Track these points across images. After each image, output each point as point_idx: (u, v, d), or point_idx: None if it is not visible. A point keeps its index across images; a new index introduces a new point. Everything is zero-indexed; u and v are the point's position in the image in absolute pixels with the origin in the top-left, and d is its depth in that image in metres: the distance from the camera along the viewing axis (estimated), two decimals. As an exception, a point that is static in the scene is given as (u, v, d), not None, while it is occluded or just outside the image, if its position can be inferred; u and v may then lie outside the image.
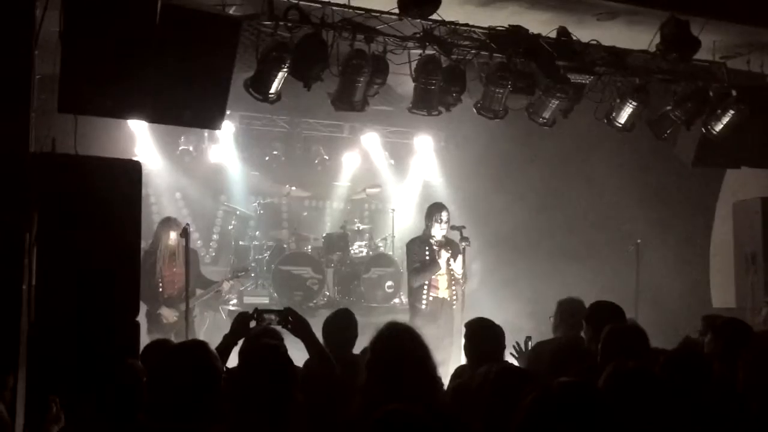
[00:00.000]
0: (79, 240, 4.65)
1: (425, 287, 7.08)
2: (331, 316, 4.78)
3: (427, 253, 7.12)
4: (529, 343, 4.84)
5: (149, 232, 7.03)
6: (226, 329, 8.39)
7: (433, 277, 7.08)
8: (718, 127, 7.16)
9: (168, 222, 7.15)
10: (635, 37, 6.54)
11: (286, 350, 3.05)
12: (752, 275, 7.88)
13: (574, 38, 6.41)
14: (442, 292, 7.12)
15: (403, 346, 3.00)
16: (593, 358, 3.74)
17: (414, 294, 7.15)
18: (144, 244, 6.30)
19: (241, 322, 3.70)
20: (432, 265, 7.03)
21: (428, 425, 2.25)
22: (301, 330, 3.66)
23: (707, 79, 7.10)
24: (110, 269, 4.71)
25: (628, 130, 7.11)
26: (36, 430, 3.78)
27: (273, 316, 3.65)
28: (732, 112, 7.05)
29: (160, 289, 6.96)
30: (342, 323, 4.66)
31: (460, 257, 7.04)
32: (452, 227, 7.17)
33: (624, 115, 7.02)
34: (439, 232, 7.10)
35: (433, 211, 7.21)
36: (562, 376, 3.34)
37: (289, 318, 3.66)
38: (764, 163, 7.75)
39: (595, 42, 6.54)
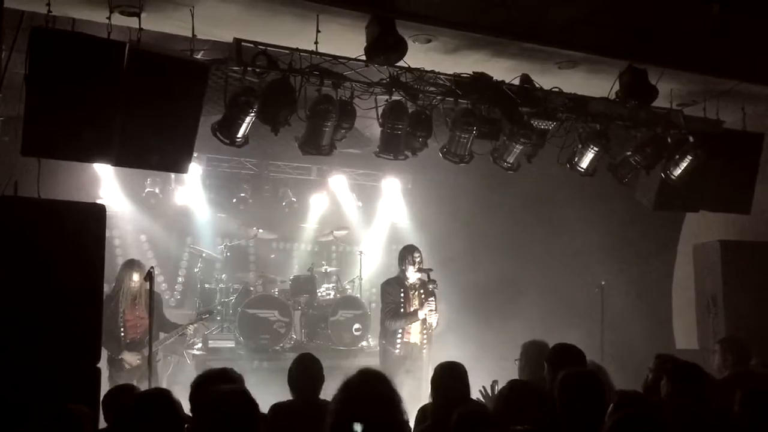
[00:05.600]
0: (39, 283, 4.59)
1: (399, 332, 7.11)
2: (295, 361, 4.73)
3: (402, 295, 7.17)
4: (495, 387, 4.84)
5: (113, 275, 6.94)
6: (191, 373, 8.29)
7: (406, 323, 7.16)
8: (677, 171, 7.34)
9: (131, 264, 7.06)
10: (595, 84, 6.73)
11: (249, 394, 2.99)
12: (713, 317, 8.01)
13: (537, 85, 6.56)
14: (414, 337, 7.18)
15: (376, 393, 2.91)
16: (554, 400, 3.77)
17: (388, 337, 7.16)
18: (107, 288, 6.21)
19: None
20: (412, 315, 7.11)
21: None
22: None
23: (665, 125, 7.29)
24: (71, 313, 4.65)
25: (590, 174, 7.25)
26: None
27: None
28: (690, 157, 7.24)
29: (122, 334, 6.84)
30: (308, 368, 4.63)
31: (433, 302, 7.11)
32: (419, 269, 7.22)
33: (586, 160, 7.17)
34: (413, 274, 7.17)
35: (406, 253, 7.28)
36: (522, 418, 3.37)
37: None
38: (722, 207, 7.93)
39: (557, 89, 6.70)
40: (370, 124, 6.84)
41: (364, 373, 3.00)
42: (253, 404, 2.92)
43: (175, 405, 2.71)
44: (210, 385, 3.63)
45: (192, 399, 3.67)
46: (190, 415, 3.33)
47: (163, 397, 2.77)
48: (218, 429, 2.77)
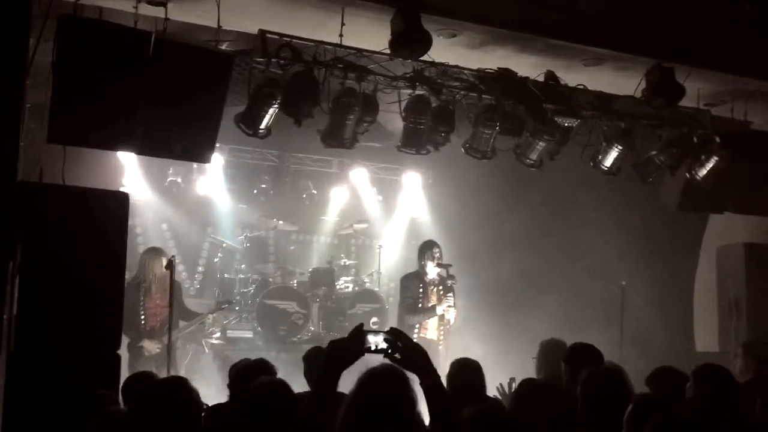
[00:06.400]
0: (62, 270, 4.63)
1: (416, 327, 7.11)
2: (309, 354, 4.74)
3: (420, 290, 7.16)
4: (513, 384, 4.82)
5: (134, 263, 6.99)
6: (209, 362, 8.29)
7: (424, 319, 7.14)
8: (702, 172, 7.26)
9: (155, 252, 7.12)
10: (621, 82, 6.66)
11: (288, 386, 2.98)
12: (735, 320, 7.91)
13: (562, 82, 6.52)
14: (431, 332, 7.18)
15: (391, 392, 2.87)
16: (572, 399, 3.73)
17: (405, 332, 7.14)
18: (128, 275, 6.26)
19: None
20: (430, 310, 7.09)
21: None
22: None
23: (692, 125, 7.20)
24: (93, 300, 4.68)
25: (613, 173, 7.19)
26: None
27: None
28: (716, 158, 7.15)
29: (143, 321, 6.89)
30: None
31: (451, 297, 7.10)
32: (439, 264, 7.20)
33: (610, 159, 7.11)
34: (432, 269, 7.16)
35: (426, 248, 7.28)
36: (535, 418, 3.33)
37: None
38: (747, 209, 7.84)
39: (582, 86, 6.64)
40: (392, 118, 6.82)
41: (381, 369, 2.94)
42: (292, 395, 2.94)
43: (193, 392, 2.74)
44: (250, 374, 3.69)
45: (232, 387, 3.73)
46: (207, 404, 3.37)
47: (181, 384, 2.79)
48: (258, 417, 2.79)
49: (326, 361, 2.78)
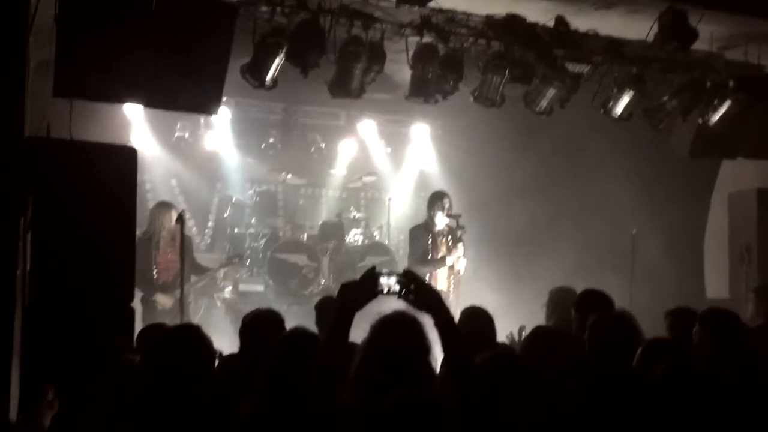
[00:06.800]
0: (73, 225, 4.65)
1: (426, 278, 7.11)
2: (319, 304, 4.78)
3: (429, 241, 7.15)
4: (523, 332, 4.84)
5: (144, 219, 7.01)
6: (221, 316, 8.36)
7: (433, 269, 7.15)
8: (715, 117, 7.17)
9: (165, 205, 7.14)
10: (633, 26, 6.53)
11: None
12: (746, 266, 7.90)
13: (572, 27, 6.40)
14: (441, 283, 7.17)
15: (408, 340, 2.86)
16: (582, 345, 3.74)
17: None
18: (138, 232, 6.29)
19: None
20: (440, 261, 7.08)
21: (438, 410, 2.24)
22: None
23: (704, 69, 7.10)
24: (105, 254, 4.71)
25: (624, 119, 7.11)
26: (30, 417, 3.78)
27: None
28: (729, 102, 7.06)
29: (155, 275, 6.94)
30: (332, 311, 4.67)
31: (461, 247, 7.09)
32: (448, 215, 7.18)
33: (620, 105, 7.03)
34: (441, 220, 7.13)
35: (436, 199, 7.24)
36: (546, 365, 3.33)
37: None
38: (760, 154, 7.77)
39: (592, 31, 6.54)
40: (399, 69, 6.74)
41: (394, 317, 2.95)
42: (313, 339, 2.96)
43: (206, 339, 2.75)
44: (262, 323, 3.73)
45: (244, 336, 3.77)
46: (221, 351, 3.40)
47: (194, 330, 2.81)
48: (282, 363, 2.81)
49: (339, 304, 2.76)
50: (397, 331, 2.83)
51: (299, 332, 3.07)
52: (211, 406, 2.65)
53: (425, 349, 2.83)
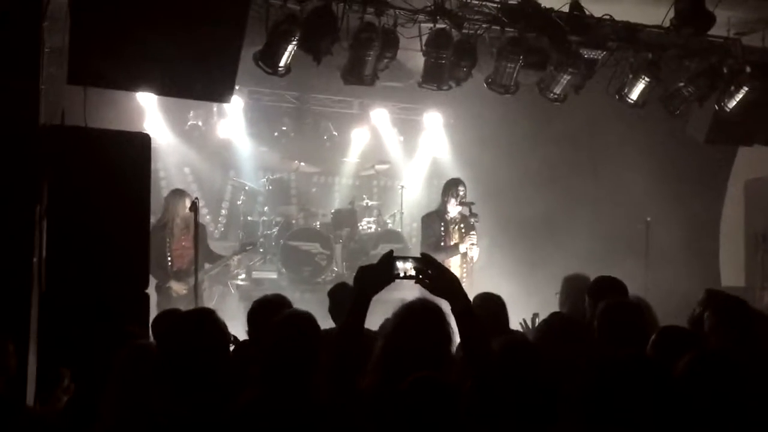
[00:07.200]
0: (88, 212, 4.67)
1: None
2: (333, 291, 4.79)
3: (442, 229, 7.13)
4: (536, 320, 4.83)
5: (158, 207, 7.04)
6: (235, 303, 8.39)
7: (447, 257, 7.14)
8: (732, 103, 7.08)
9: (179, 193, 7.17)
10: (649, 12, 6.46)
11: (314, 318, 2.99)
12: (762, 254, 7.84)
13: (587, 13, 6.34)
14: (454, 271, 7.09)
15: (436, 326, 2.81)
16: (594, 332, 3.72)
17: None
18: (153, 219, 6.32)
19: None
20: (452, 249, 7.06)
21: (455, 394, 2.24)
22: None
23: (721, 55, 7.01)
24: (120, 241, 4.73)
25: (639, 106, 7.04)
26: (47, 401, 3.81)
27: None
28: (746, 88, 6.96)
29: (170, 263, 6.98)
30: (346, 298, 4.67)
31: (474, 236, 7.07)
32: (461, 203, 7.16)
33: (636, 91, 6.96)
34: (454, 208, 7.11)
35: (450, 186, 7.20)
36: (564, 350, 3.32)
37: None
38: (778, 141, 7.68)
39: (607, 17, 6.47)
40: (412, 56, 6.71)
41: (418, 305, 2.93)
42: (317, 327, 2.96)
43: (221, 323, 2.77)
44: (269, 306, 3.73)
45: (252, 320, 3.79)
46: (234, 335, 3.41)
47: (209, 314, 2.82)
48: (286, 347, 2.79)
49: (356, 287, 2.74)
50: (424, 318, 2.82)
51: (294, 313, 3.06)
52: (226, 389, 2.66)
53: (448, 336, 2.83)
